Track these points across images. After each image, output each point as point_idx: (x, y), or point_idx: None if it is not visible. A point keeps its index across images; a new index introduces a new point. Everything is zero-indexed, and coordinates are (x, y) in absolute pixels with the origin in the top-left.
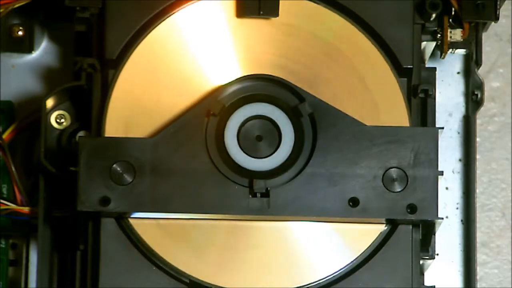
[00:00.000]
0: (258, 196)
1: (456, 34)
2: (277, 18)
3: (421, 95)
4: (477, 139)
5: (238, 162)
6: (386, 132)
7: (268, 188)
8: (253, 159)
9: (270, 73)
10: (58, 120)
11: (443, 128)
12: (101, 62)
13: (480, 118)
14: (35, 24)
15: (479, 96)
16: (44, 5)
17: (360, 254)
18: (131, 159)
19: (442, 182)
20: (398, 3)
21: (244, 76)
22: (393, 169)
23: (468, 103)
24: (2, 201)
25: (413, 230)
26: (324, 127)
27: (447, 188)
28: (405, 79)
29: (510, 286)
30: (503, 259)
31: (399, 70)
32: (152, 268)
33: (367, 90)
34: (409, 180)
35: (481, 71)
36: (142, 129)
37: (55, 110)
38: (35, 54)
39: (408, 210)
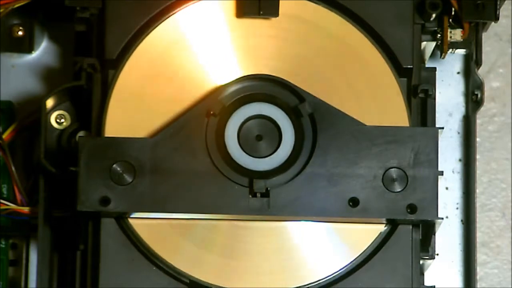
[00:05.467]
0: (258, 196)
1: (456, 34)
2: (277, 18)
3: (421, 95)
4: (477, 139)
5: (238, 162)
6: (386, 132)
7: (268, 188)
8: (253, 158)
9: (270, 73)
10: (58, 120)
11: (443, 128)
12: (101, 62)
13: (480, 118)
14: (35, 24)
15: (479, 96)
16: (44, 5)
17: (360, 254)
18: (131, 159)
19: (442, 182)
20: (398, 3)
21: (244, 76)
22: (393, 169)
23: (468, 103)
24: (2, 201)
25: (413, 230)
26: (324, 127)
27: (447, 188)
28: (405, 79)
29: (510, 286)
30: (503, 259)
31: (399, 70)
32: (152, 268)
33: (367, 90)
34: (409, 180)
35: (481, 71)
36: (142, 129)
37: (55, 110)
38: (35, 54)
39: (408, 210)
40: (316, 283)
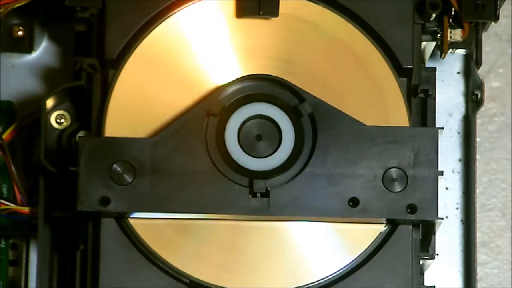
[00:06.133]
0: (258, 196)
1: (456, 34)
2: (277, 18)
3: (421, 95)
4: (477, 139)
5: (238, 162)
6: (386, 132)
7: (268, 188)
8: (253, 158)
9: (270, 73)
10: (58, 120)
11: (443, 128)
12: (101, 62)
13: (480, 118)
14: (35, 24)
15: (479, 96)
16: (44, 5)
17: (360, 254)
18: (131, 159)
19: (442, 182)
20: (398, 3)
21: (244, 76)
22: (393, 169)
23: (468, 103)
24: (2, 201)
25: (413, 230)
26: (324, 127)
27: (447, 188)
28: (405, 79)
29: (510, 286)
30: (503, 259)
31: (399, 70)
32: (152, 268)
33: (367, 90)
34: (409, 180)
35: (481, 71)
36: (142, 129)
37: (55, 110)
38: (35, 54)
39: (408, 210)
40: (316, 283)
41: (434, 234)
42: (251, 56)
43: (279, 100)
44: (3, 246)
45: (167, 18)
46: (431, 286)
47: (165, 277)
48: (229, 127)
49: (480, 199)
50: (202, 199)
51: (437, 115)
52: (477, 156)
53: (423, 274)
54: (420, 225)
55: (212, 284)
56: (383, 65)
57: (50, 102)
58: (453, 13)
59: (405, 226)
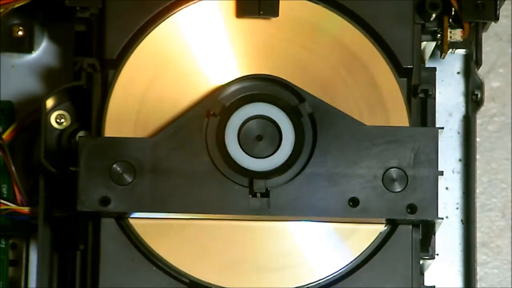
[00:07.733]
0: (258, 196)
1: (456, 34)
2: (277, 18)
3: (421, 95)
4: (477, 139)
5: (238, 162)
6: (386, 132)
7: (268, 188)
8: (253, 159)
9: (270, 73)
10: (58, 120)
11: (443, 128)
12: (101, 62)
13: (480, 118)
14: (35, 24)
15: (479, 96)
16: (44, 5)
17: (360, 254)
18: (131, 159)
19: (442, 182)
20: (398, 3)
21: (244, 76)
22: (393, 169)
23: (468, 103)
24: (2, 201)
25: (413, 230)
26: (324, 127)
27: (447, 188)
28: (405, 79)
29: (510, 286)
30: (503, 259)
31: (399, 70)
32: (152, 268)
33: (367, 90)
34: (409, 180)
35: (481, 71)
36: (142, 129)
37: (55, 110)
38: (35, 54)
39: (408, 210)
40: (316, 283)
41: (434, 234)
42: (251, 56)
43: (279, 100)
44: (3, 246)
45: (167, 18)
46: (431, 286)
47: (165, 277)
48: (229, 127)
49: (480, 199)
50: (202, 199)
51: (437, 115)
52: (477, 156)
53: (423, 274)
54: (420, 225)
55: (212, 284)
56: (383, 65)
57: (50, 102)
58: (453, 13)
59: (405, 226)
